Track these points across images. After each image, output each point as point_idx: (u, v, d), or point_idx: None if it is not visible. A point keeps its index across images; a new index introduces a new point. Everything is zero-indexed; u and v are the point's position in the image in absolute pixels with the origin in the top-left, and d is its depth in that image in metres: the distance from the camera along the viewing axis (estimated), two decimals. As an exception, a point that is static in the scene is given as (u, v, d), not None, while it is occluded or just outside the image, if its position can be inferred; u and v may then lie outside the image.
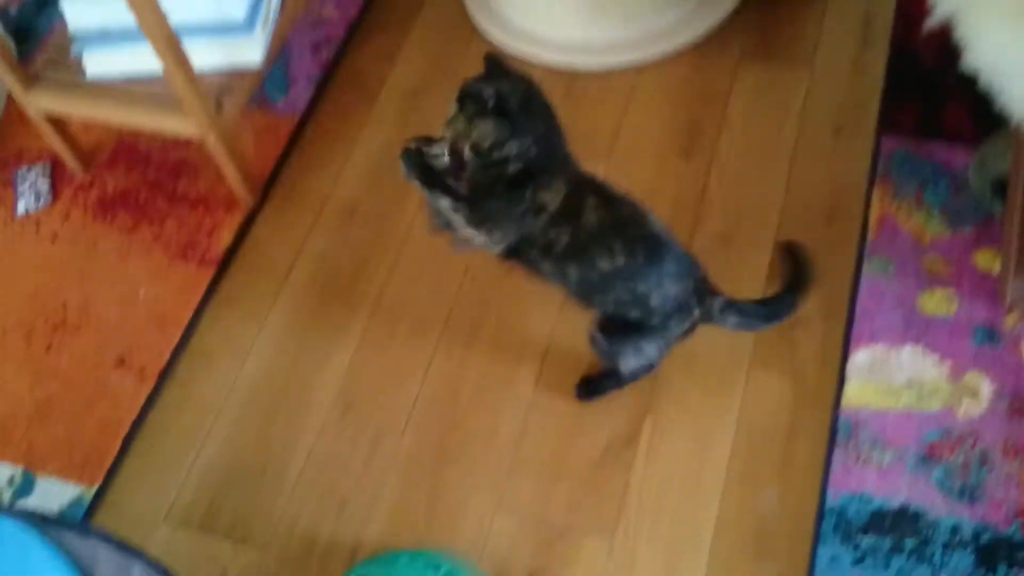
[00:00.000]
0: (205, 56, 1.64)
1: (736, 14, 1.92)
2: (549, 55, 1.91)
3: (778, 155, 1.74)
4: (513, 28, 1.96)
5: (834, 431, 1.44)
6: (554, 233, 1.31)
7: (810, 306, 1.56)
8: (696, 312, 1.34)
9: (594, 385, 1.52)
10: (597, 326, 1.40)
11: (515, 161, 1.31)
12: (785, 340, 1.53)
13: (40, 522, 1.09)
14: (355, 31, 2.04)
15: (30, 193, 1.87)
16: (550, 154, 1.35)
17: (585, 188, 1.34)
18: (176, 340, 1.66)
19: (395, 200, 1.79)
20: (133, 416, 1.59)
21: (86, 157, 1.90)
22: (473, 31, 2.01)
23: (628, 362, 1.42)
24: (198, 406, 1.60)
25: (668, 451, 1.47)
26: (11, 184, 1.90)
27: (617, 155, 1.79)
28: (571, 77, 1.90)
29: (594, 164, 1.74)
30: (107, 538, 1.17)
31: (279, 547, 1.45)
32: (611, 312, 1.36)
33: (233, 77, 1.70)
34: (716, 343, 1.54)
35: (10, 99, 2.01)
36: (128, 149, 1.92)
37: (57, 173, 1.90)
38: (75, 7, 1.66)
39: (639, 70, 1.89)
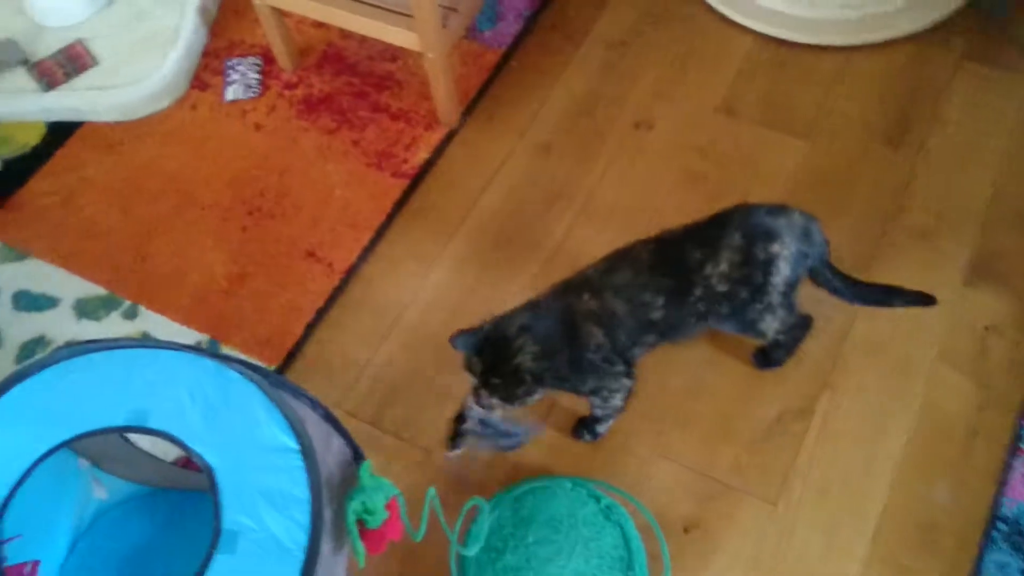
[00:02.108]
0: (438, -27, 1.67)
1: (960, 12, 1.87)
2: (761, 24, 1.90)
3: (988, 159, 1.70)
4: (728, -8, 1.95)
5: (1016, 439, 1.42)
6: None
7: (1006, 314, 1.53)
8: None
9: (767, 356, 1.52)
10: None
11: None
12: (977, 343, 1.51)
13: (263, 377, 1.15)
14: (568, -26, 2.06)
15: (240, 82, 1.95)
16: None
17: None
18: (365, 242, 1.72)
19: (588, 146, 1.80)
20: (318, 305, 1.65)
21: (296, 57, 1.96)
22: (685, -9, 2.01)
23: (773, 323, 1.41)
24: (380, 308, 1.66)
25: (841, 430, 1.46)
26: (222, 72, 1.98)
27: (818, 133, 1.77)
28: (781, 49, 1.88)
29: (791, 142, 1.76)
30: (315, 404, 1.23)
31: (441, 454, 1.50)
32: None
33: (459, -2, 1.73)
34: (900, 331, 1.53)
35: (230, -8, 2.10)
36: (336, 55, 1.98)
37: (266, 68, 1.98)
38: (322, -92, 1.71)
39: (852, 52, 1.86)
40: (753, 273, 1.32)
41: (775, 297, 1.35)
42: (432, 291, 1.67)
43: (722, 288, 1.32)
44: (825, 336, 1.53)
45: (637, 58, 1.92)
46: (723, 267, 1.31)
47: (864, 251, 1.61)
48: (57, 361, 1.13)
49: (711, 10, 1.95)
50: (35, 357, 1.63)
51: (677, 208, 1.68)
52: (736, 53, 1.89)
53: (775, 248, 1.31)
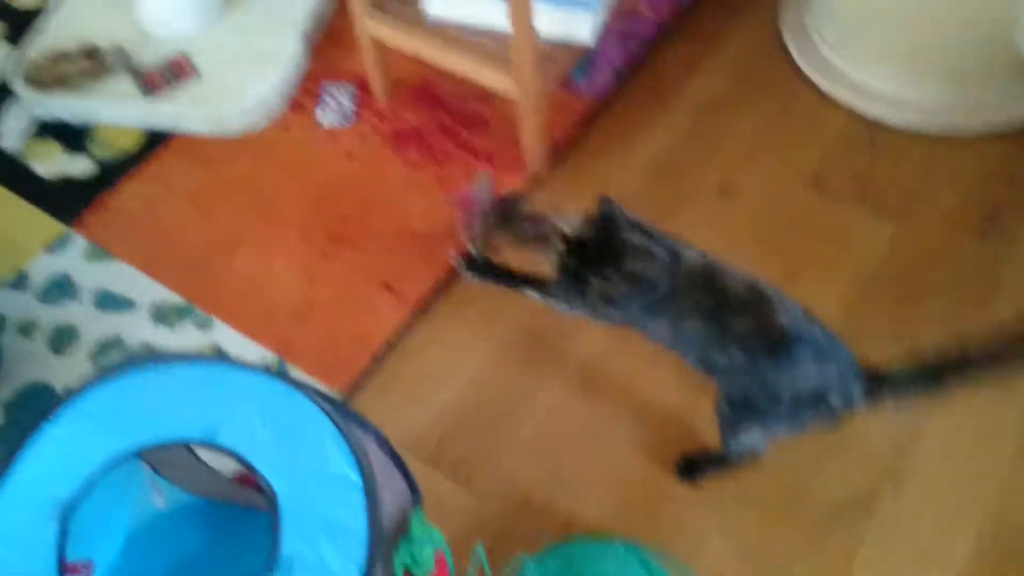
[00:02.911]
0: (542, 22, 1.69)
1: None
2: (860, 101, 1.88)
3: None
4: (824, 63, 1.94)
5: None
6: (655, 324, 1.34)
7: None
8: (837, 402, 1.24)
9: (695, 465, 1.48)
10: (724, 398, 1.34)
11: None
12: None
13: (333, 406, 1.16)
14: (664, 32, 2.07)
15: (334, 109, 1.99)
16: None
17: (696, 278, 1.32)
18: (440, 278, 1.73)
19: (669, 206, 1.79)
20: (387, 337, 1.66)
21: (391, 88, 2.00)
22: (782, 57, 2.00)
23: (744, 440, 1.35)
24: (450, 344, 1.66)
25: (904, 530, 1.42)
26: (318, 96, 2.02)
27: (906, 217, 1.74)
28: (877, 128, 1.87)
29: (878, 223, 1.73)
30: (382, 440, 1.24)
31: (496, 499, 1.49)
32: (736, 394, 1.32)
33: (559, 48, 1.75)
34: (974, 427, 1.48)
35: (334, 20, 2.14)
36: (430, 90, 2.01)
37: (361, 97, 2.01)
38: (436, -55, 1.75)
39: (950, 138, 1.84)
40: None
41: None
42: (505, 332, 1.67)
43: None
44: (893, 424, 1.50)
45: (727, 122, 1.91)
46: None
47: (945, 341, 1.57)
48: (138, 367, 1.16)
49: (807, 81, 1.95)
50: (109, 357, 1.67)
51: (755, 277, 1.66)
52: (829, 127, 1.88)
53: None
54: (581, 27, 1.73)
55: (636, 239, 1.36)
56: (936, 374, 1.22)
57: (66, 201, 1.90)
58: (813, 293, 1.65)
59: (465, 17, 1.78)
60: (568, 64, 1.78)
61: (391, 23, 1.81)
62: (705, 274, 1.32)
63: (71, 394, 1.13)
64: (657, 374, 1.59)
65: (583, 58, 1.96)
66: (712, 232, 1.76)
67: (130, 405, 1.13)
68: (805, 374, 1.24)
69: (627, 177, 1.86)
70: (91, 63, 2.00)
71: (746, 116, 1.92)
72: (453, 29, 1.78)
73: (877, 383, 1.24)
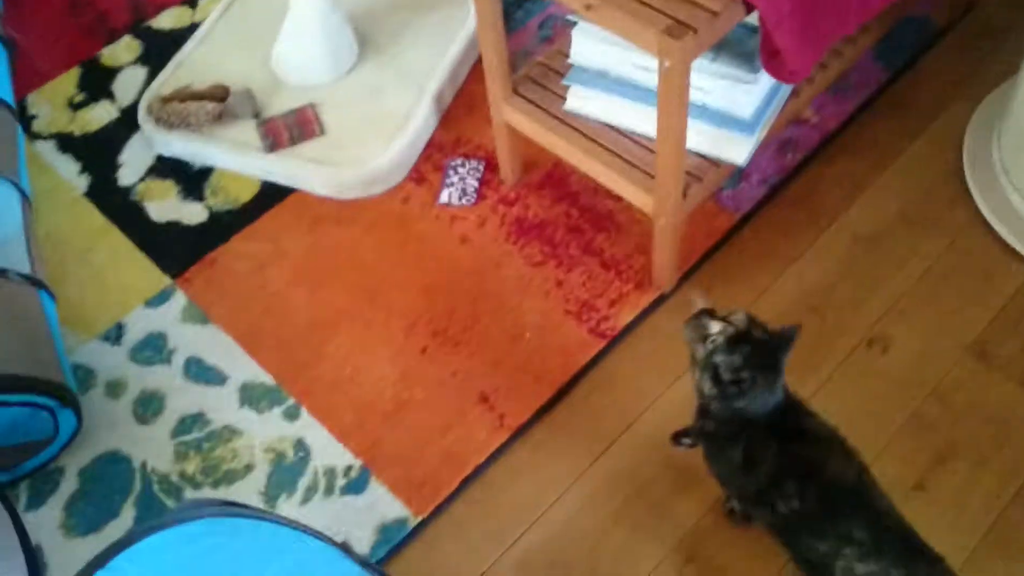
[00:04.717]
0: (692, 138, 1.53)
1: None
2: (1042, 259, 1.66)
3: None
4: (1010, 210, 1.70)
5: None
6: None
7: None
8: None
9: None
10: None
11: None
12: None
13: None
14: (827, 145, 1.87)
15: (457, 186, 1.87)
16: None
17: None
18: (543, 401, 1.59)
19: (811, 351, 1.60)
20: (479, 460, 1.54)
21: (519, 170, 1.87)
22: (961, 192, 1.77)
23: None
24: (542, 478, 1.52)
25: None
26: (442, 168, 1.91)
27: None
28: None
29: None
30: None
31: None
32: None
33: (707, 165, 1.59)
34: None
35: (468, 84, 2.02)
36: (560, 179, 1.86)
37: (486, 176, 1.89)
38: (585, 42, 1.60)
39: None
40: None
41: None
42: (606, 475, 1.52)
43: None
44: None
45: (885, 261, 1.71)
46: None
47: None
48: (199, 517, 1.06)
49: (985, 224, 1.72)
50: (191, 434, 1.59)
51: (899, 456, 1.47)
52: (1006, 287, 1.65)
53: None
54: (736, 150, 1.56)
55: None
56: None
57: (173, 251, 1.84)
58: (962, 482, 1.46)
59: (607, 116, 1.63)
60: (715, 184, 1.62)
61: (528, 112, 1.68)
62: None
63: (125, 541, 1.04)
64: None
65: (733, 175, 1.79)
66: (855, 391, 1.57)
67: (187, 562, 1.04)
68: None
69: (764, 309, 1.67)
70: (219, 107, 1.93)
71: (910, 259, 1.70)
72: (594, 126, 1.64)
73: None
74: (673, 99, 1.37)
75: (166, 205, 1.91)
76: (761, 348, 1.20)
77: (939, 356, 1.59)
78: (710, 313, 1.23)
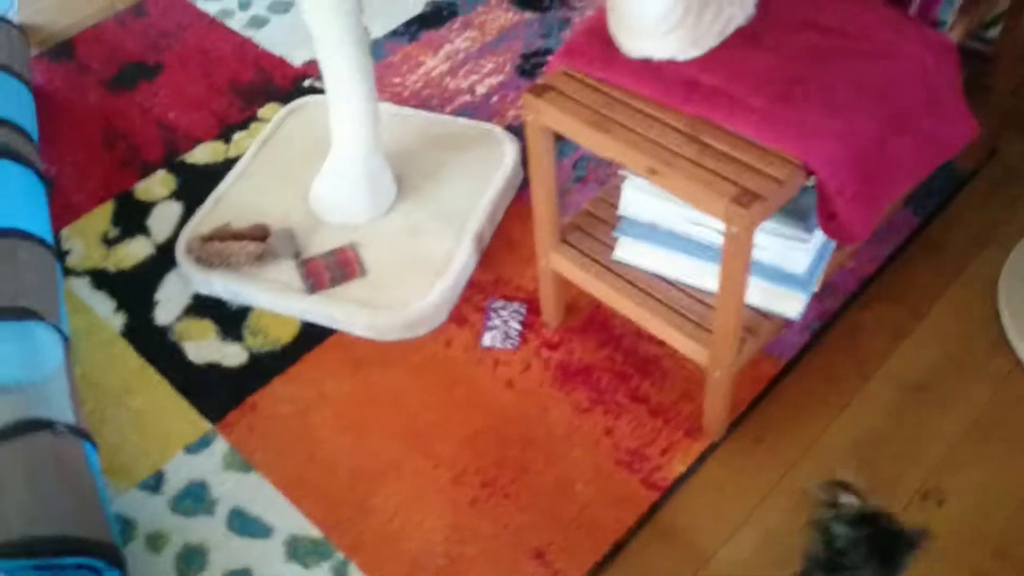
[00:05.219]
0: (748, 293, 1.55)
1: None
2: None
3: None
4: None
5: None
6: None
7: None
8: None
9: None
10: None
11: None
12: None
13: None
14: (866, 289, 1.90)
15: (500, 329, 1.87)
16: None
17: None
18: (600, 557, 1.56)
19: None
20: (536, 623, 1.50)
21: (562, 313, 1.87)
22: (997, 340, 1.79)
23: None
24: (602, 643, 1.49)
25: None
26: (483, 311, 1.91)
27: None
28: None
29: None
30: None
31: None
32: None
33: (760, 318, 1.60)
34: None
35: (504, 223, 2.05)
36: (604, 322, 1.87)
37: (528, 319, 1.89)
38: (636, 196, 1.63)
39: None
40: None
41: None
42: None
43: None
44: None
45: (934, 411, 1.71)
46: None
47: None
48: None
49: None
50: (235, 591, 1.55)
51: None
52: (1055, 438, 1.67)
53: None
54: (790, 304, 1.58)
55: None
56: None
57: (214, 394, 1.81)
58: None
59: (657, 267, 1.65)
60: (769, 337, 1.63)
61: (577, 260, 1.69)
62: None
63: None
64: None
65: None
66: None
67: None
68: None
69: (814, 462, 1.66)
70: (260, 247, 1.94)
71: (956, 407, 1.71)
72: (642, 275, 1.65)
73: None
74: (737, 262, 1.39)
75: (205, 346, 1.90)
76: (885, 537, 1.18)
77: (995, 511, 1.58)
78: (847, 486, 1.22)
